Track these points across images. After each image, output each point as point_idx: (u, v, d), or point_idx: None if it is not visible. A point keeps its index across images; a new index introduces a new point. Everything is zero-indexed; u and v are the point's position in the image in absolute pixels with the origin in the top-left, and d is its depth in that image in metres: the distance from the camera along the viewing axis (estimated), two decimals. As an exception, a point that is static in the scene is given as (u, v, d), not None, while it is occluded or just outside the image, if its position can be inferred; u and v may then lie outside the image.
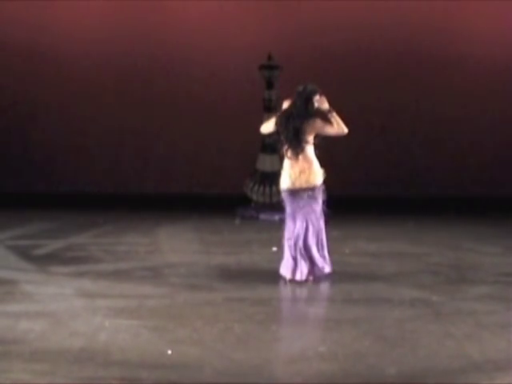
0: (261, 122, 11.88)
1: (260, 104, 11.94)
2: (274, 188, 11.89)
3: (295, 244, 7.58)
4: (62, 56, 13.78)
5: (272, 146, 12.00)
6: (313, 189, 7.59)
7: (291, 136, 7.61)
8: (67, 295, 7.12)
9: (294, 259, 7.59)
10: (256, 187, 11.96)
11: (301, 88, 7.70)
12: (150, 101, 13.78)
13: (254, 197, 11.99)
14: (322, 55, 13.54)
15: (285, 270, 7.66)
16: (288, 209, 7.70)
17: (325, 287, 7.60)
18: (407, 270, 8.34)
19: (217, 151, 13.84)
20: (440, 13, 13.58)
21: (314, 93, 7.67)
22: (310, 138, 7.63)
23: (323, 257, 7.66)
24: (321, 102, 7.65)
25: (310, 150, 7.64)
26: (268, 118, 11.82)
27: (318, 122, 7.64)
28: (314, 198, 7.60)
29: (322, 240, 7.67)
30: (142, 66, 13.80)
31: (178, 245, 9.86)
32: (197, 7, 13.70)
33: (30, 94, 13.83)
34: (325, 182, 7.72)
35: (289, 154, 7.65)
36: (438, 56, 13.67)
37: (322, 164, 7.78)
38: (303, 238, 7.58)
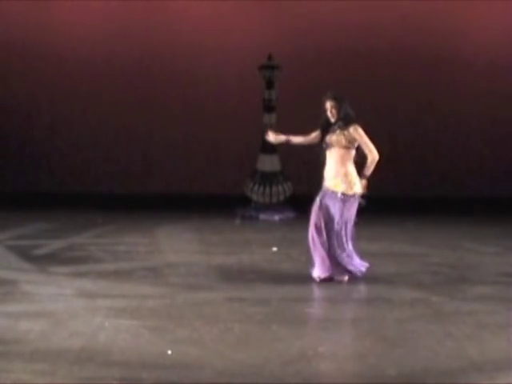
0: (261, 122, 11.99)
1: (260, 104, 11.95)
2: (274, 188, 11.91)
3: None
4: (62, 56, 13.78)
5: (272, 146, 12.03)
6: None
7: None
8: (67, 295, 7.11)
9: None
10: (256, 187, 11.96)
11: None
12: (150, 101, 13.78)
13: (254, 197, 11.99)
14: (322, 55, 13.54)
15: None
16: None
17: (324, 287, 7.59)
18: (407, 270, 8.34)
19: (217, 151, 13.84)
20: (440, 12, 13.58)
21: (324, 99, 7.76)
22: None
23: None
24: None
25: None
26: (269, 119, 11.93)
27: None
28: None
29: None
30: (142, 66, 13.80)
31: (177, 245, 9.86)
32: (197, 7, 13.70)
33: (29, 94, 13.83)
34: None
35: None
36: (438, 55, 13.66)
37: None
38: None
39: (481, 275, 8.16)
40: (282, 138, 8.03)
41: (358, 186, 7.60)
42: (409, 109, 13.80)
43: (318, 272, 7.69)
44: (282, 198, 11.99)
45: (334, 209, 7.58)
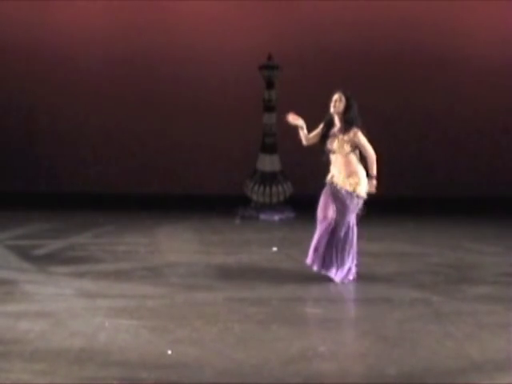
0: (261, 122, 11.99)
1: (260, 104, 11.95)
2: (273, 188, 11.91)
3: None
4: (63, 56, 13.79)
5: (272, 146, 12.04)
6: None
7: None
8: (67, 295, 7.11)
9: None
10: (256, 187, 11.96)
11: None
12: (150, 101, 13.79)
13: (254, 197, 11.99)
14: (322, 55, 13.55)
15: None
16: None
17: (325, 287, 7.59)
18: (407, 270, 8.34)
19: (217, 151, 13.84)
20: (441, 12, 13.59)
21: (335, 91, 7.73)
22: None
23: None
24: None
25: None
26: (269, 119, 11.93)
27: None
28: None
29: None
30: (142, 66, 13.81)
31: (177, 245, 9.86)
32: (197, 7, 13.71)
33: (30, 94, 13.84)
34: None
35: None
36: (438, 55, 13.68)
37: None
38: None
39: (481, 275, 8.16)
40: (300, 122, 7.77)
41: (364, 187, 7.61)
42: (409, 109, 13.80)
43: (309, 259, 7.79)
44: (281, 198, 11.99)
45: (343, 206, 7.59)
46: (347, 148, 7.62)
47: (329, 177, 7.72)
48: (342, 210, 7.62)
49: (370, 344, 5.81)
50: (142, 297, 7.06)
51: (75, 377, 5.09)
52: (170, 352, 5.54)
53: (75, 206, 12.54)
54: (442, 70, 13.74)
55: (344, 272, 7.67)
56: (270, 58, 11.95)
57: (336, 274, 7.66)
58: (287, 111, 12.01)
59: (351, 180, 7.60)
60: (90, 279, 7.73)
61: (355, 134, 7.61)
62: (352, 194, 7.60)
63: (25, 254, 8.84)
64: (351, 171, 7.62)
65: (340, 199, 7.61)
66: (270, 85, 11.92)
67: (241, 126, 13.41)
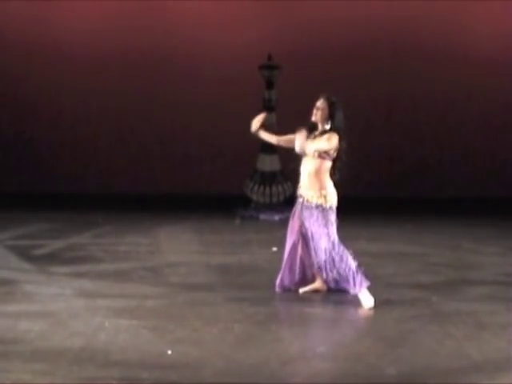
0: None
1: (260, 104, 11.94)
2: (273, 188, 11.91)
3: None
4: (63, 55, 13.78)
5: (272, 147, 12.03)
6: None
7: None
8: (67, 295, 7.12)
9: None
10: (256, 187, 11.96)
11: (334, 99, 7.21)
12: (150, 101, 13.79)
13: (254, 197, 11.99)
14: (322, 55, 13.55)
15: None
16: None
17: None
18: (407, 270, 8.34)
19: (217, 151, 13.84)
20: (441, 12, 13.59)
21: (319, 97, 7.27)
22: None
23: None
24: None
25: None
26: (269, 119, 11.90)
27: None
28: None
29: None
30: (142, 66, 13.80)
31: (177, 245, 9.86)
32: (197, 7, 13.71)
33: (30, 93, 13.83)
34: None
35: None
36: (438, 55, 13.67)
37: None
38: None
39: (481, 275, 8.16)
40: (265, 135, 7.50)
41: (334, 198, 7.16)
42: (409, 109, 13.80)
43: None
44: (281, 198, 11.99)
45: (312, 221, 7.18)
46: (318, 153, 7.05)
47: (298, 190, 7.29)
48: (312, 226, 7.18)
49: (370, 344, 5.81)
50: (142, 297, 7.06)
51: (75, 377, 5.09)
52: (169, 352, 5.54)
53: (75, 206, 12.53)
54: (443, 69, 13.73)
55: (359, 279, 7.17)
56: (270, 58, 11.95)
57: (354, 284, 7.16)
58: (287, 111, 12.05)
59: (319, 193, 7.10)
60: (89, 279, 7.73)
61: (329, 136, 7.04)
62: (323, 207, 7.11)
63: (25, 254, 8.83)
64: (319, 183, 7.09)
65: (309, 214, 7.17)
66: (270, 85, 11.92)
67: (241, 125, 13.37)
